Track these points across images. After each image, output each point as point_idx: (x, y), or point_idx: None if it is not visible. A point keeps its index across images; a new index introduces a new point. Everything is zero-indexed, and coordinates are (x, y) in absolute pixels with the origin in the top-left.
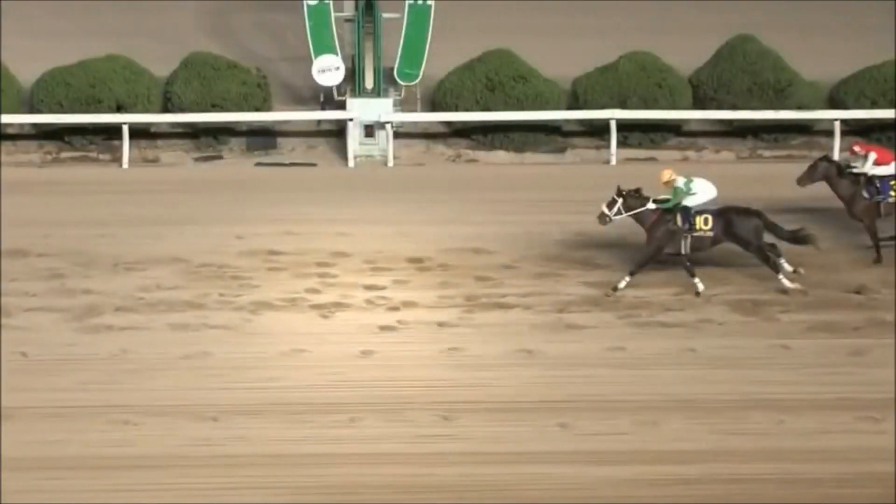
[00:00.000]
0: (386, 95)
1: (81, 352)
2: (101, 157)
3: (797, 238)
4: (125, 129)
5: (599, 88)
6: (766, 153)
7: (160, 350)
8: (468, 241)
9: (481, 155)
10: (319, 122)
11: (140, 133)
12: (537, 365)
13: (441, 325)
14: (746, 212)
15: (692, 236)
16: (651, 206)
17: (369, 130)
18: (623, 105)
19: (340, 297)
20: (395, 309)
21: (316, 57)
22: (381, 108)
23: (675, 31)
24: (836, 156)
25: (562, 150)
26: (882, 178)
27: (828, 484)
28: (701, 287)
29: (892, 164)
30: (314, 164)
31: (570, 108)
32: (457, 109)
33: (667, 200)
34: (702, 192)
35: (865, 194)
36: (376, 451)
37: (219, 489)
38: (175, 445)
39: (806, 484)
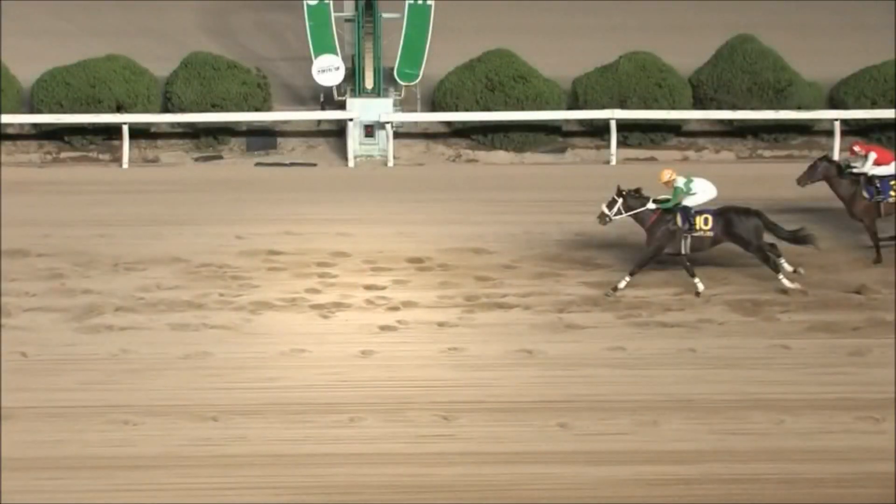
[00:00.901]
0: (386, 95)
1: (81, 352)
2: (101, 157)
3: (797, 238)
4: (125, 129)
5: (599, 88)
6: (766, 153)
7: (160, 350)
8: (468, 241)
9: (481, 155)
10: (319, 122)
11: (140, 133)
12: (537, 365)
13: (441, 325)
14: (746, 212)
15: (692, 236)
16: (651, 206)
17: (369, 130)
18: (623, 105)
19: (340, 297)
20: (395, 309)
21: (316, 57)
22: (381, 108)
23: (675, 31)
24: (836, 156)
25: (562, 150)
26: (882, 178)
27: (828, 484)
28: (701, 287)
29: (892, 163)
30: (314, 164)
31: (570, 108)
32: (457, 109)
33: (667, 200)
34: (702, 192)
35: (865, 194)
36: (376, 451)
37: (219, 489)
38: (175, 445)
39: (806, 484)
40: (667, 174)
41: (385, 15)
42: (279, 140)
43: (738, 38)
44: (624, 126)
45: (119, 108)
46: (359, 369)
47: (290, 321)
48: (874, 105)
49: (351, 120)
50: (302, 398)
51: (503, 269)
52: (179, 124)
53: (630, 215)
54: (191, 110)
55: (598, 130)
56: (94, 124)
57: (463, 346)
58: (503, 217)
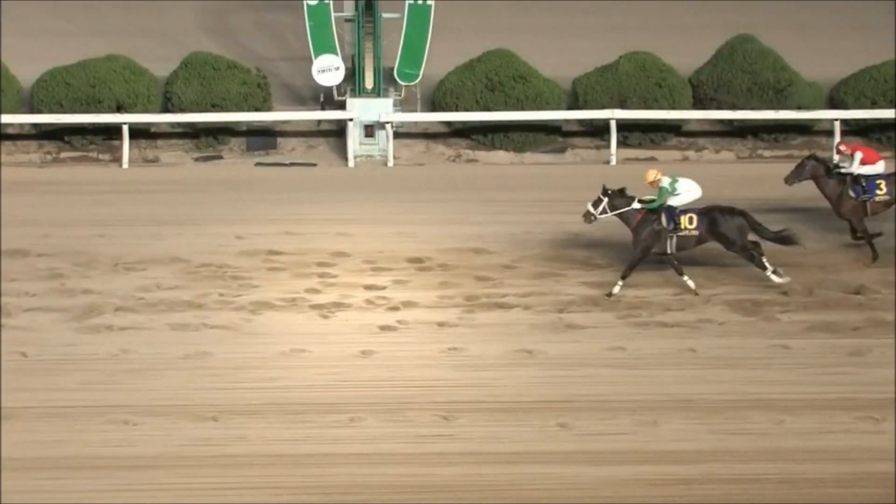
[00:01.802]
0: (386, 95)
1: (81, 352)
2: (101, 157)
3: (782, 238)
4: (125, 129)
5: (599, 88)
6: (766, 153)
7: (160, 350)
8: (468, 241)
9: (481, 155)
10: (319, 122)
11: (140, 133)
12: (537, 365)
13: (441, 325)
14: (731, 211)
15: (677, 236)
16: (636, 205)
17: (369, 130)
18: (623, 105)
19: (340, 297)
20: (395, 309)
21: (316, 57)
22: (381, 108)
23: (675, 31)
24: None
25: (562, 150)
26: (868, 177)
27: (828, 484)
28: (692, 284)
29: (879, 162)
30: (314, 164)
31: (570, 108)
32: (457, 109)
33: (652, 201)
34: (686, 191)
35: (852, 194)
36: (376, 451)
37: (219, 489)
38: (175, 445)
39: (806, 484)
40: (652, 174)
41: (385, 15)
42: (279, 140)
43: (738, 38)
44: (624, 126)
45: (119, 108)
46: (359, 369)
47: (290, 321)
48: (874, 105)
49: (351, 120)
50: (302, 398)
51: (503, 269)
52: (179, 124)
53: (615, 215)
54: (191, 110)
55: (598, 130)
56: (94, 124)
57: (463, 346)
58: (503, 217)
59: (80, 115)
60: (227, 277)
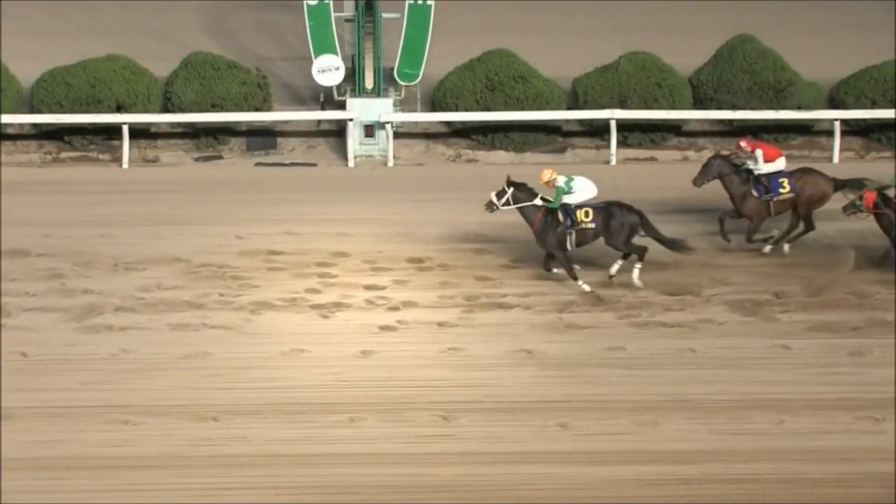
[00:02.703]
0: (386, 95)
1: (81, 352)
2: (101, 157)
3: (670, 243)
4: (125, 129)
5: (599, 88)
6: None
7: (160, 350)
8: (468, 241)
9: (481, 155)
10: (319, 122)
11: (140, 133)
12: (537, 365)
13: (441, 325)
14: (629, 209)
15: (576, 231)
16: (538, 201)
17: (369, 130)
18: (623, 105)
19: (340, 297)
20: (395, 309)
21: (316, 57)
22: (381, 108)
23: (675, 31)
24: (836, 157)
25: (562, 150)
26: (770, 175)
27: (828, 484)
28: (587, 287)
29: (779, 159)
30: (314, 164)
31: (570, 108)
32: (457, 109)
33: (552, 200)
34: (581, 189)
35: (755, 193)
36: (376, 451)
37: (219, 489)
38: (175, 445)
39: (806, 484)
40: (547, 174)
41: (385, 15)
42: (279, 140)
43: (738, 38)
44: (624, 126)
45: (119, 108)
46: (359, 369)
47: (290, 321)
48: (874, 105)
49: (351, 120)
50: (302, 398)
51: (503, 269)
52: (179, 124)
53: (516, 208)
54: (191, 110)
55: (598, 130)
56: (94, 124)
57: (463, 346)
58: (503, 217)
59: (80, 115)
60: (227, 277)
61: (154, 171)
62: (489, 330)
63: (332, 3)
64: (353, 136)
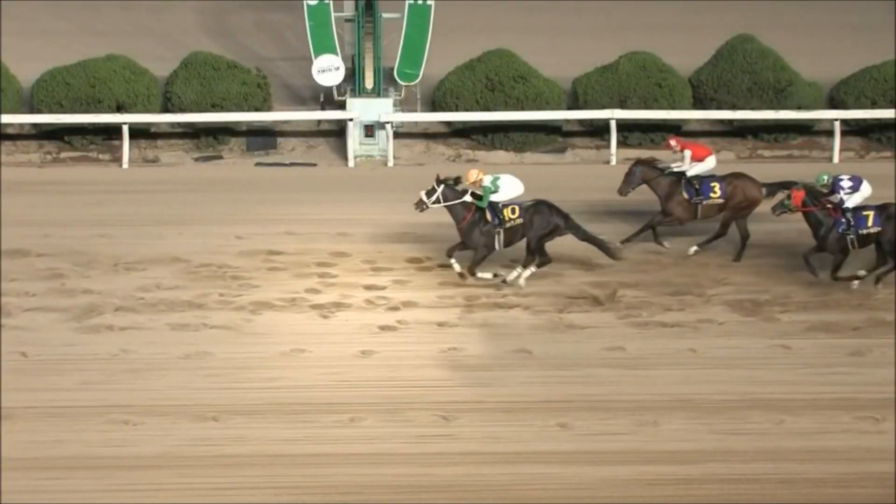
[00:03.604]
0: (386, 95)
1: (81, 352)
2: (101, 157)
3: (601, 245)
4: (125, 129)
5: (599, 88)
6: (766, 153)
7: (160, 350)
8: None
9: (481, 155)
10: (319, 122)
11: (140, 133)
12: (537, 365)
13: (441, 325)
14: (558, 211)
15: (504, 230)
16: (468, 198)
17: (369, 130)
18: (623, 105)
19: (340, 297)
20: (395, 309)
21: (316, 57)
22: (381, 108)
23: (675, 31)
24: (836, 157)
25: (562, 150)
26: (703, 179)
27: (828, 484)
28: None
29: (709, 158)
30: (314, 164)
31: (570, 108)
32: (457, 109)
33: (481, 198)
34: (507, 187)
35: (685, 195)
36: (376, 451)
37: (219, 489)
38: (175, 445)
39: (806, 484)
40: (473, 174)
41: (385, 15)
42: (279, 140)
43: (738, 38)
44: (624, 126)
45: (119, 108)
46: (359, 369)
47: (290, 321)
48: (874, 105)
49: (351, 120)
50: (302, 398)
51: (503, 269)
52: (179, 124)
53: (445, 206)
54: (191, 110)
55: (598, 130)
56: (94, 124)
57: (463, 346)
58: None
59: (80, 115)
60: (227, 277)
61: (154, 171)
62: (489, 330)
63: (332, 3)
64: (353, 136)
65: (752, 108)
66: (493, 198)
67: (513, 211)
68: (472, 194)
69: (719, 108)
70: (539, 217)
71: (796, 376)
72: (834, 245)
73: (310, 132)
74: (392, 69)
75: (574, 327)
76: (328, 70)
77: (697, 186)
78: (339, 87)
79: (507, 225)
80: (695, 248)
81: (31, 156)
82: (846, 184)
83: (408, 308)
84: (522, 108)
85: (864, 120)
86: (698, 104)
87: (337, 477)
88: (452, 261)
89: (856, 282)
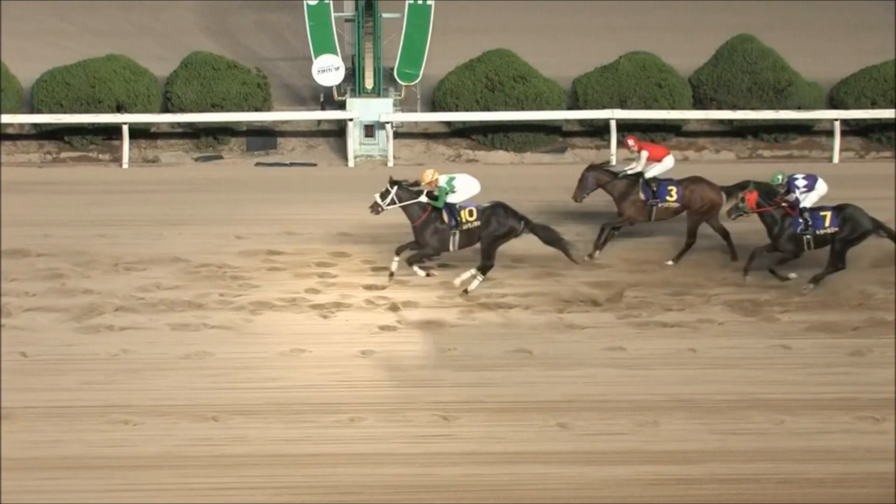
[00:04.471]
0: (386, 95)
1: (81, 352)
2: (101, 157)
3: (561, 245)
4: (125, 129)
5: (599, 88)
6: (766, 153)
7: (160, 350)
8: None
9: (481, 155)
10: (319, 122)
11: (140, 133)
12: (537, 365)
13: (441, 325)
14: (514, 214)
15: (460, 231)
16: (423, 199)
17: (369, 130)
18: (623, 105)
19: (340, 297)
20: (395, 309)
21: (316, 57)
22: (381, 108)
23: (675, 31)
24: (836, 157)
25: (562, 150)
26: (661, 182)
27: (828, 484)
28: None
29: (666, 158)
30: (314, 164)
31: (570, 108)
32: (457, 109)
33: (437, 198)
34: (464, 187)
35: (642, 196)
36: (376, 451)
37: (219, 489)
38: (175, 445)
39: (806, 484)
40: (429, 174)
41: (385, 15)
42: (279, 140)
43: (738, 38)
44: (624, 126)
45: (119, 108)
46: (359, 369)
47: (290, 321)
48: (874, 105)
49: (351, 120)
50: (302, 398)
51: (503, 269)
52: (179, 124)
53: (401, 207)
54: (191, 110)
55: (598, 130)
56: (94, 124)
57: (463, 346)
58: None
59: (80, 115)
60: (227, 277)
61: (154, 171)
62: (489, 330)
63: (332, 3)
64: (353, 136)
65: (752, 108)
66: (451, 198)
67: (470, 213)
68: (428, 195)
69: (719, 108)
70: (495, 219)
71: (796, 376)
72: (786, 244)
73: (310, 132)
74: (392, 69)
75: (574, 327)
76: (328, 70)
77: (655, 188)
78: (339, 87)
79: (464, 227)
80: (669, 262)
81: (31, 156)
82: (801, 182)
83: (408, 308)
84: (522, 108)
85: (864, 120)
86: (698, 104)
87: (337, 477)
88: (395, 259)
89: (791, 275)
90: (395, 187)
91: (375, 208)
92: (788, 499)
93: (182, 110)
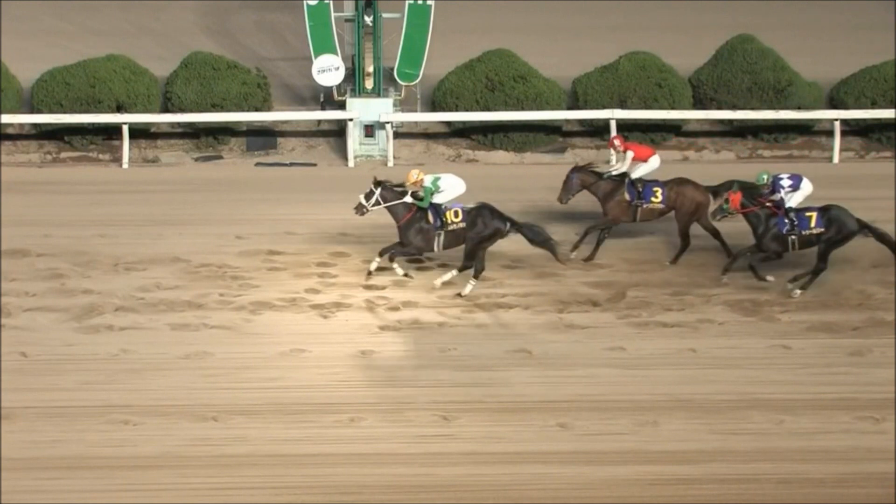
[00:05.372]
0: (386, 95)
1: (81, 352)
2: (101, 157)
3: (549, 246)
4: (125, 129)
5: (599, 88)
6: (766, 153)
7: (160, 350)
8: None
9: (481, 155)
10: (319, 122)
11: (140, 133)
12: (537, 365)
13: (441, 325)
14: (500, 216)
15: (445, 232)
16: (408, 199)
17: (369, 130)
18: (623, 105)
19: (340, 297)
20: (395, 309)
21: (316, 57)
22: (381, 108)
23: (675, 31)
24: (836, 157)
25: (562, 150)
26: (647, 183)
27: (828, 484)
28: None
29: (652, 158)
30: (314, 164)
31: (570, 108)
32: (457, 109)
33: (422, 198)
34: (450, 187)
35: (627, 196)
36: (376, 451)
37: (219, 489)
38: (175, 445)
39: (806, 484)
40: (414, 174)
41: (385, 15)
42: (279, 140)
43: (738, 38)
44: (624, 126)
45: (119, 108)
46: (359, 369)
47: (290, 321)
48: (874, 105)
49: (351, 120)
50: (302, 398)
51: (503, 269)
52: (179, 124)
53: (386, 207)
54: (191, 110)
55: (598, 130)
56: (94, 124)
57: (463, 346)
58: None
59: (80, 115)
60: (227, 277)
61: (154, 171)
62: (489, 330)
63: (332, 3)
64: (353, 136)
65: (752, 108)
66: (436, 199)
67: (456, 214)
68: (413, 195)
69: (719, 108)
70: (480, 220)
71: (796, 376)
72: (770, 243)
73: (310, 132)
74: (392, 69)
75: (574, 327)
76: (328, 70)
77: (640, 189)
78: (339, 87)
79: (449, 228)
80: (667, 263)
81: (31, 156)
82: (786, 182)
83: (408, 308)
84: (522, 108)
85: (864, 120)
86: (698, 104)
87: (337, 477)
88: (376, 259)
89: (769, 278)
90: (380, 188)
91: (360, 209)
92: (788, 499)
93: (182, 110)
